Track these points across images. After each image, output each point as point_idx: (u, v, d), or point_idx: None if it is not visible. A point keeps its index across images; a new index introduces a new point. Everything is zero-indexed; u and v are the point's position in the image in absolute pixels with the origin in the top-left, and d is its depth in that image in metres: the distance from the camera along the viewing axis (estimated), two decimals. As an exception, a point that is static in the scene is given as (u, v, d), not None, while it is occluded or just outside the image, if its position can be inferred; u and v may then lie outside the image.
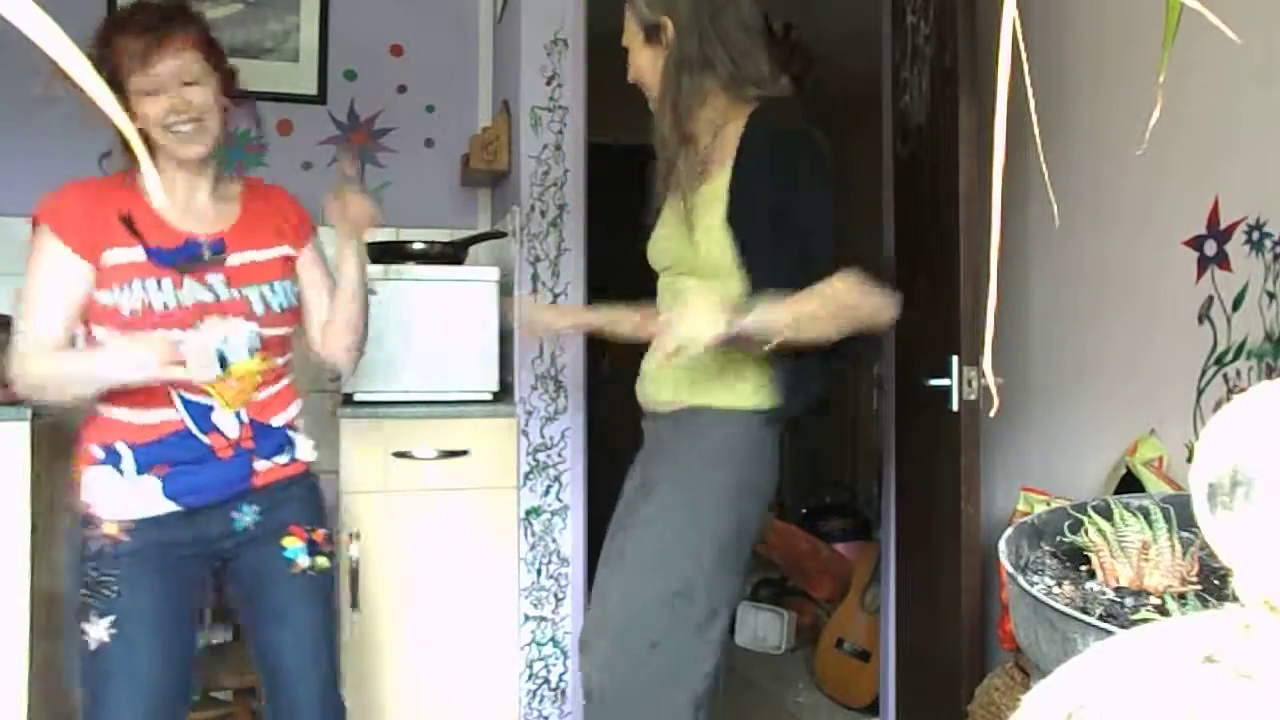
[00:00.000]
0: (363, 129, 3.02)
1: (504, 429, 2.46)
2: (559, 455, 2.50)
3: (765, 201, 1.62)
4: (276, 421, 1.69)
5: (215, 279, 1.62)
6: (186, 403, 1.61)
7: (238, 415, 1.64)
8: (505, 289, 2.54)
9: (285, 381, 1.73)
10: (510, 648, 2.46)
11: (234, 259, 1.64)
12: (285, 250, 1.72)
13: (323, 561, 1.73)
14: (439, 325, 2.46)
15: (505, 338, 2.55)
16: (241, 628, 1.75)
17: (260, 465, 1.66)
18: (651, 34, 1.70)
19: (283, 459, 1.69)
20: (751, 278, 1.62)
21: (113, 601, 1.53)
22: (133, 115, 1.55)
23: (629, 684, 1.65)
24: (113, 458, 1.58)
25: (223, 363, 1.63)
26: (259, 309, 1.66)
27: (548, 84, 2.49)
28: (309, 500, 1.75)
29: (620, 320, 1.90)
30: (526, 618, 2.48)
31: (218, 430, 1.63)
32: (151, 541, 1.57)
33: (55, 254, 1.53)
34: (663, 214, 1.80)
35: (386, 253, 2.55)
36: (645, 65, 1.72)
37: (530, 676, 2.49)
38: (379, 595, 2.35)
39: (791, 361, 1.62)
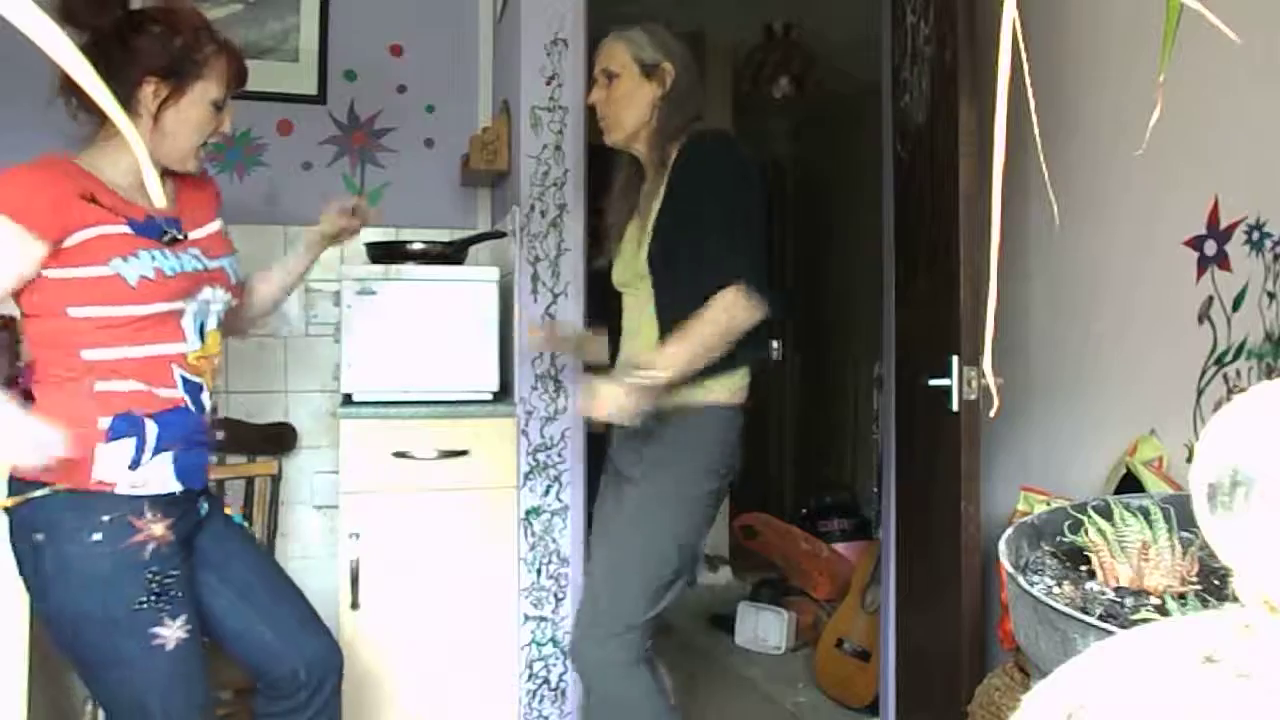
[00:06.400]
0: (363, 129, 3.02)
1: (504, 429, 2.46)
2: (559, 455, 2.50)
3: (679, 211, 1.84)
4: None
5: (193, 250, 1.61)
6: (184, 379, 1.57)
7: (210, 398, 1.64)
8: (505, 289, 2.54)
9: None
10: (510, 648, 2.46)
11: (194, 233, 1.64)
12: (218, 224, 1.73)
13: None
14: (439, 325, 2.46)
15: (505, 338, 2.55)
16: (213, 612, 1.66)
17: (211, 458, 1.69)
18: (651, 72, 1.90)
19: (213, 458, 1.76)
20: (655, 282, 1.87)
21: (181, 601, 1.52)
22: (157, 100, 1.56)
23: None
24: (134, 429, 1.48)
25: (201, 332, 1.61)
26: (231, 279, 1.69)
27: (548, 84, 2.49)
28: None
29: (585, 343, 2.29)
30: (526, 618, 2.48)
31: (204, 411, 1.62)
32: (178, 531, 1.54)
33: (13, 238, 1.41)
34: (625, 238, 2.01)
35: (386, 253, 2.55)
36: (631, 95, 1.91)
37: (530, 676, 2.49)
38: (379, 595, 2.35)
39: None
